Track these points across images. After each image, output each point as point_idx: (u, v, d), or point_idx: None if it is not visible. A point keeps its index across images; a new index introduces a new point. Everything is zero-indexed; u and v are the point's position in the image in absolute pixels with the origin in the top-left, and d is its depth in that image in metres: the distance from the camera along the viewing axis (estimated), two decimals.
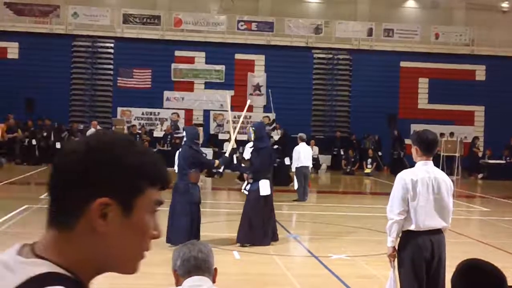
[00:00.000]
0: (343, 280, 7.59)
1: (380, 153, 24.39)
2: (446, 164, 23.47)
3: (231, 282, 7.16)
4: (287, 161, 18.67)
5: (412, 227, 4.90)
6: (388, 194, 15.01)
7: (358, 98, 28.16)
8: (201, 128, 26.48)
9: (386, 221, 12.45)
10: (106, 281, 6.66)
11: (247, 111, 11.56)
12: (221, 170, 10.07)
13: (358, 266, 8.63)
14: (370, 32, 28.76)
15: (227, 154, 9.87)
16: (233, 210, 14.40)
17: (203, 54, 28.08)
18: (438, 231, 4.95)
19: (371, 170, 24.52)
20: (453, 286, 2.33)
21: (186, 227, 9.09)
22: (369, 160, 24.75)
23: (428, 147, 5.00)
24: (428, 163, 5.00)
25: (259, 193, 9.45)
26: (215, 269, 2.94)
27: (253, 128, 10.01)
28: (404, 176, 4.95)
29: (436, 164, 21.50)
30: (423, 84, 29.17)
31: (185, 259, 2.87)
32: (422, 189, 4.88)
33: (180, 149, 9.69)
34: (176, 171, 9.47)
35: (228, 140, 14.99)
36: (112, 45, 27.87)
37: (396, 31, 28.89)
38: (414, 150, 5.05)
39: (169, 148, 24.74)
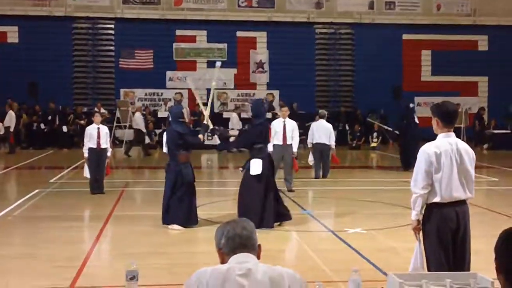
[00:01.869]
0: (362, 254, 7.62)
1: (385, 127, 24.19)
2: None
3: None
4: None
5: (437, 199, 4.90)
6: (395, 167, 15.13)
7: (361, 73, 28.08)
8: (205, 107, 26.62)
9: (397, 194, 12.57)
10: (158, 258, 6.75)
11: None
12: (208, 139, 10.00)
13: (375, 239, 8.66)
14: (371, 5, 28.56)
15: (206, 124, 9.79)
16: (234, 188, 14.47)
17: (204, 32, 27.94)
18: (463, 202, 4.96)
19: (377, 144, 24.52)
20: (497, 254, 2.34)
21: (182, 207, 9.14)
22: (375, 134, 24.74)
23: (449, 118, 4.98)
24: (450, 134, 4.98)
25: (250, 171, 9.18)
26: (259, 245, 2.94)
27: (251, 105, 9.90)
28: (427, 150, 4.94)
29: None
30: (426, 56, 29.06)
31: (229, 237, 2.88)
32: (446, 161, 4.87)
33: (166, 130, 9.72)
34: (166, 152, 9.52)
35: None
36: (112, 26, 27.73)
37: (398, 3, 28.71)
38: (434, 122, 5.04)
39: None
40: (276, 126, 12.90)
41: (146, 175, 17.36)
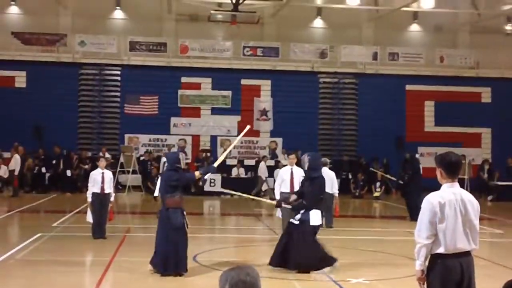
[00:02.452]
0: None
1: (388, 176, 24.18)
2: None
3: None
4: None
5: (441, 250, 4.89)
6: (398, 217, 15.10)
7: (364, 122, 28.26)
8: (208, 154, 26.74)
9: (400, 244, 12.49)
10: None
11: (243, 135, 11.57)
12: (205, 179, 10.03)
13: None
14: (375, 56, 28.94)
15: (216, 163, 10.02)
16: (242, 235, 14.41)
17: (209, 80, 28.26)
18: (467, 253, 4.95)
19: (380, 193, 24.49)
20: None
21: (165, 253, 9.08)
22: (378, 184, 24.73)
23: (453, 169, 5.02)
24: (454, 185, 5.01)
25: (309, 223, 9.50)
26: None
27: (308, 157, 9.99)
28: (431, 199, 4.96)
29: None
30: (429, 107, 29.27)
31: (233, 284, 2.88)
32: (450, 212, 4.88)
33: (160, 176, 9.78)
34: (157, 195, 9.58)
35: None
36: (119, 72, 28.08)
37: (401, 54, 29.07)
38: (438, 173, 5.07)
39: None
40: (284, 174, 12.99)
41: (148, 221, 17.26)
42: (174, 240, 9.09)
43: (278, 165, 25.40)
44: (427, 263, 5.00)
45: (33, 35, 27.40)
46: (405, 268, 10.27)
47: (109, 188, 12.60)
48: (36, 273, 9.04)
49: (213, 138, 28.15)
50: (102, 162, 12.95)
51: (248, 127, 11.65)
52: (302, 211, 9.66)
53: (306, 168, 10.01)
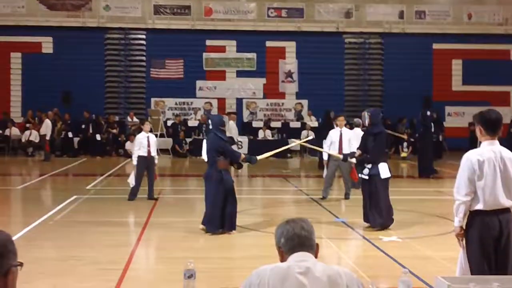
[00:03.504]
0: (399, 262, 7.68)
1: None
2: None
3: None
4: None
5: (480, 207, 4.96)
6: (425, 177, 14.99)
7: (391, 82, 28.06)
8: (234, 116, 26.81)
9: (428, 203, 12.56)
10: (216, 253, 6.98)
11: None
12: (242, 164, 10.15)
13: (410, 248, 8.71)
14: (401, 15, 28.55)
15: (260, 157, 10.06)
16: (271, 196, 14.60)
17: (234, 42, 28.21)
18: (506, 210, 5.00)
19: (407, 154, 24.45)
20: None
21: (220, 214, 9.33)
22: (405, 144, 24.67)
23: (493, 126, 5.04)
24: (494, 142, 5.04)
25: (380, 176, 9.74)
26: (317, 245, 3.06)
27: (369, 113, 10.12)
28: (470, 157, 5.01)
29: (474, 146, 21.14)
30: (456, 65, 28.92)
31: (288, 238, 3.00)
32: (489, 169, 4.93)
33: (206, 137, 9.89)
34: (205, 159, 9.70)
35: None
36: (144, 36, 28.16)
37: (428, 12, 28.65)
38: (478, 130, 5.10)
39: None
40: (333, 135, 13.16)
41: (178, 183, 17.55)
42: (230, 200, 9.37)
43: (305, 127, 25.49)
44: (465, 219, 5.09)
45: (59, 0, 27.50)
46: (435, 227, 10.41)
47: (154, 151, 12.80)
48: (77, 233, 9.32)
49: (239, 101, 28.23)
50: (147, 126, 13.07)
51: (311, 137, 11.86)
52: (369, 166, 9.85)
53: (367, 124, 10.17)
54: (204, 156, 9.81)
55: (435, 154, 24.05)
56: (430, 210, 12.07)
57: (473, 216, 5.03)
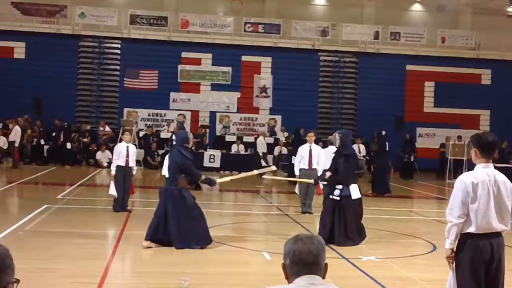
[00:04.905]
0: (379, 282, 7.61)
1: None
2: (454, 167, 23.60)
3: (265, 282, 7.17)
4: (293, 159, 18.73)
5: (472, 230, 4.92)
6: (396, 197, 15.15)
7: (364, 101, 28.26)
8: (208, 130, 26.67)
9: (399, 223, 12.56)
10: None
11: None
12: (200, 186, 10.01)
13: (390, 268, 8.64)
14: (376, 35, 28.86)
15: (220, 180, 10.14)
16: (244, 211, 14.46)
17: (210, 55, 28.12)
18: (497, 234, 4.97)
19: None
20: None
21: (197, 228, 9.19)
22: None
23: (488, 149, 5.02)
24: (488, 165, 5.01)
25: (352, 197, 10.00)
26: (326, 264, 2.93)
27: (339, 134, 10.32)
28: (464, 179, 4.96)
29: (444, 167, 21.49)
30: (429, 87, 29.31)
31: (293, 262, 2.84)
32: (483, 192, 4.90)
33: (169, 153, 9.77)
34: (166, 175, 9.49)
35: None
36: (119, 45, 27.88)
37: (403, 34, 29.02)
38: (473, 153, 5.07)
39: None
40: (303, 151, 13.53)
41: (149, 195, 17.22)
42: (195, 217, 9.20)
43: (278, 143, 25.46)
44: (456, 242, 5.03)
45: (33, 5, 27.13)
46: (413, 247, 10.40)
47: (132, 162, 12.57)
48: (49, 244, 9.04)
49: (213, 114, 28.09)
50: (127, 136, 12.89)
51: (272, 168, 11.78)
52: (340, 187, 10.01)
53: (337, 146, 10.37)
54: (165, 171, 9.58)
55: (406, 174, 24.31)
56: (406, 229, 12.07)
57: (465, 239, 4.98)
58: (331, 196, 10.22)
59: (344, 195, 10.01)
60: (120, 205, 12.40)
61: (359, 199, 10.23)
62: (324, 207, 10.42)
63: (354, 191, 10.09)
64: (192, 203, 9.28)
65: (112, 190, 12.33)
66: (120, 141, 13.11)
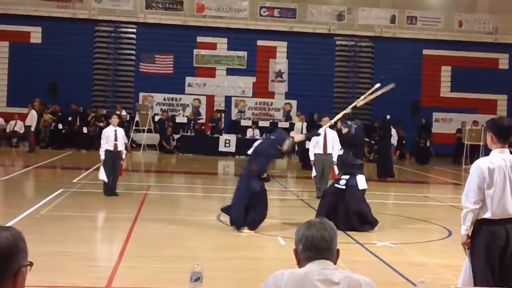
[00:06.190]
0: (393, 267, 7.59)
1: (403, 142, 24.28)
2: (471, 153, 23.42)
3: (280, 267, 7.19)
4: (307, 145, 18.71)
5: (488, 215, 4.87)
6: (413, 182, 15.11)
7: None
8: (223, 114, 26.66)
9: (415, 208, 12.51)
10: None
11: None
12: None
13: (404, 253, 8.63)
14: (393, 19, 28.57)
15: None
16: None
17: (225, 40, 28.02)
18: None
19: (395, 157, 24.42)
20: None
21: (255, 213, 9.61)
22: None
23: (504, 134, 4.94)
24: (504, 150, 4.94)
25: (358, 187, 10.00)
26: (337, 250, 2.92)
27: (355, 126, 10.36)
28: (480, 165, 4.90)
29: (460, 153, 21.32)
30: (445, 72, 29.01)
31: (306, 247, 2.84)
32: (499, 177, 4.84)
33: (261, 140, 10.30)
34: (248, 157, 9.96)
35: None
36: (134, 30, 27.86)
37: (419, 18, 28.69)
38: (489, 137, 5.00)
39: (193, 134, 24.78)
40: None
41: (164, 179, 17.32)
42: (261, 202, 9.60)
43: (292, 127, 25.38)
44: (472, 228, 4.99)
45: None
46: (427, 233, 10.36)
47: (121, 146, 12.57)
48: (65, 228, 9.12)
49: (228, 99, 28.05)
50: (115, 120, 12.82)
51: (392, 85, 11.70)
52: (346, 177, 10.05)
53: (351, 133, 10.39)
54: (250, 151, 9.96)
55: (422, 159, 24.19)
56: (420, 215, 12.02)
57: (480, 225, 4.93)
58: (336, 185, 10.22)
59: (351, 184, 10.00)
60: (110, 189, 12.35)
61: (364, 190, 10.18)
62: (325, 194, 10.47)
63: (361, 181, 10.06)
64: (254, 189, 9.52)
65: (102, 175, 12.32)
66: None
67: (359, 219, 9.97)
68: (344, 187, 10.02)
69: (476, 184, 4.86)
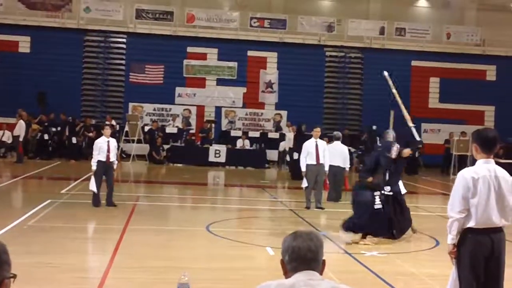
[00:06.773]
0: (382, 277, 7.61)
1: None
2: (459, 163, 23.54)
3: (268, 277, 7.18)
4: (295, 155, 18.79)
5: (472, 225, 4.92)
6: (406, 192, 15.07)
7: (369, 97, 28.19)
8: (213, 125, 26.67)
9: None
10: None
11: None
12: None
13: (393, 263, 8.65)
14: (382, 31, 28.79)
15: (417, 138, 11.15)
16: (249, 206, 14.48)
17: (215, 50, 28.10)
18: (498, 229, 4.97)
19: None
20: None
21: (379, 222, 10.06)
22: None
23: (488, 144, 5.01)
24: (489, 161, 5.00)
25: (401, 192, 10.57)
26: (323, 261, 2.94)
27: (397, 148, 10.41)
28: (465, 175, 4.96)
29: (448, 163, 21.47)
30: (434, 83, 29.25)
31: (292, 258, 2.85)
32: (483, 187, 4.89)
33: (373, 152, 10.70)
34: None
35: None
36: (124, 40, 27.89)
37: (408, 30, 28.94)
38: (473, 148, 5.06)
39: (183, 145, 24.77)
40: (309, 146, 13.56)
41: (153, 190, 17.26)
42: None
43: (283, 138, 25.46)
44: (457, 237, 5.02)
45: (38, 0, 27.12)
46: (417, 243, 10.39)
47: (113, 157, 12.56)
48: (52, 239, 9.07)
49: (218, 109, 28.10)
50: (108, 130, 12.80)
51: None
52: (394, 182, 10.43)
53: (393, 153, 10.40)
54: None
55: (411, 170, 24.29)
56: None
57: (465, 234, 4.98)
58: (382, 192, 10.23)
59: (396, 190, 10.33)
60: (99, 200, 12.32)
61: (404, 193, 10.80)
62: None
63: (402, 187, 10.67)
64: (363, 199, 10.12)
65: (92, 185, 12.30)
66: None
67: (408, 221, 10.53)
68: (391, 193, 10.25)
69: (460, 194, 4.91)
